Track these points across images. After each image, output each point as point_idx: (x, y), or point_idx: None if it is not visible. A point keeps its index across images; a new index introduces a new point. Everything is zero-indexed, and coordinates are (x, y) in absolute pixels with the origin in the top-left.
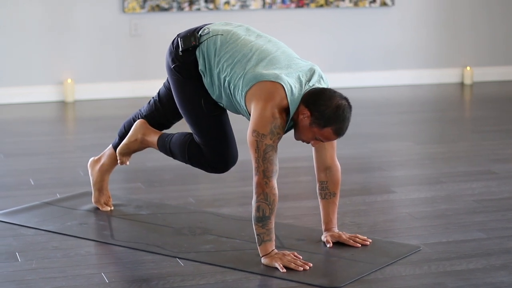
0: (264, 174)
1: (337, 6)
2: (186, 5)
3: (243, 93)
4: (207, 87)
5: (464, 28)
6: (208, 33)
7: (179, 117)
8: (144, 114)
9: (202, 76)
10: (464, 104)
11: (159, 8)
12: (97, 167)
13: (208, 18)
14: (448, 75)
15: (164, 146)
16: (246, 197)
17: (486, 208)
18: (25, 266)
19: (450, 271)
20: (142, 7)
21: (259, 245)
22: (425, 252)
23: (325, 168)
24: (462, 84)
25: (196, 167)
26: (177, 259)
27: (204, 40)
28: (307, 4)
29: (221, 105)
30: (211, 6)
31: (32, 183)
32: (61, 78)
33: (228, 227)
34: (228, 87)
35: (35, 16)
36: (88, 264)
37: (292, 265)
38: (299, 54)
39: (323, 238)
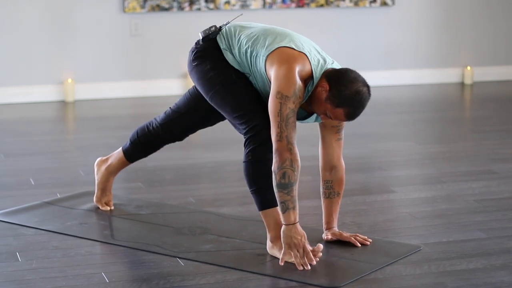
0: (288, 140)
1: (338, 6)
2: (186, 5)
3: (264, 58)
4: (231, 64)
5: (464, 28)
6: (228, 23)
7: (195, 129)
8: (160, 123)
9: (225, 55)
10: (464, 104)
11: (159, 8)
12: (104, 167)
13: (209, 18)
14: (448, 75)
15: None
16: (246, 196)
17: (486, 207)
18: (25, 266)
19: (450, 271)
20: (143, 7)
21: (283, 213)
22: (425, 252)
23: (330, 167)
24: (462, 84)
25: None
26: (178, 258)
27: (224, 27)
28: (307, 4)
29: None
30: (211, 6)
31: (33, 182)
32: (61, 78)
33: (229, 227)
34: (250, 57)
35: (35, 16)
36: (89, 264)
37: (303, 261)
38: None
39: (323, 236)
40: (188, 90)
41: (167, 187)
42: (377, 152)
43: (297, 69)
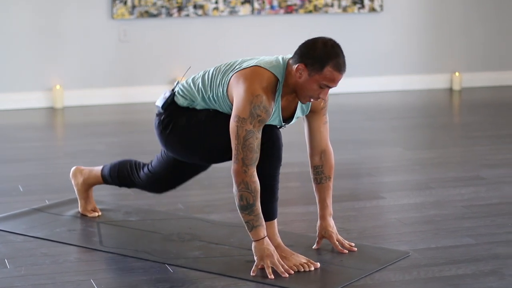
0: (244, 162)
1: (326, 12)
2: (175, 11)
3: (225, 91)
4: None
5: (453, 34)
6: (178, 83)
7: (185, 181)
8: (142, 182)
9: (190, 106)
10: (453, 110)
11: (148, 14)
12: (81, 179)
13: (197, 24)
14: (437, 81)
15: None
16: (235, 203)
17: (475, 213)
18: (14, 273)
19: (439, 276)
20: (131, 13)
21: (250, 231)
22: (414, 258)
23: (320, 151)
24: (451, 90)
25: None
26: (166, 265)
27: (176, 87)
28: (296, 10)
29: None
30: (200, 12)
31: (21, 189)
32: (50, 84)
33: (217, 233)
34: (214, 99)
35: (23, 23)
36: (77, 271)
37: (280, 269)
38: None
39: (317, 228)
40: (161, 155)
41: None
42: (366, 158)
43: (255, 84)
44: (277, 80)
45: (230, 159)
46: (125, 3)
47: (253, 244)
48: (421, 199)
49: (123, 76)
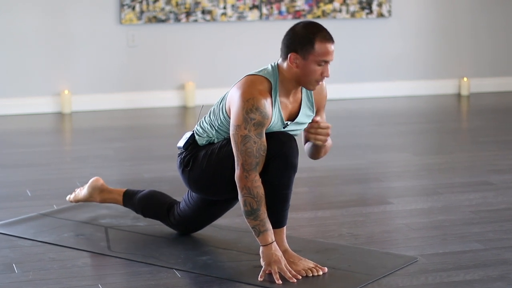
0: (243, 167)
1: (334, 18)
2: (183, 16)
3: (225, 112)
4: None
5: (461, 39)
6: (198, 121)
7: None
8: (174, 224)
9: (211, 140)
10: (461, 115)
11: (156, 20)
12: (98, 198)
13: (205, 30)
14: (445, 86)
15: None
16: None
17: (483, 219)
18: (22, 277)
19: (447, 282)
20: (139, 18)
21: (257, 237)
22: (422, 263)
23: None
24: (459, 95)
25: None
26: (174, 270)
27: (196, 128)
28: (304, 16)
29: None
30: (208, 17)
31: (29, 194)
32: (58, 89)
33: (225, 238)
34: (222, 127)
35: (32, 27)
36: (85, 276)
37: (287, 275)
38: None
39: None
40: (187, 198)
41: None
42: (374, 163)
43: (247, 90)
44: (270, 82)
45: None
46: (133, 8)
47: (261, 249)
48: (429, 204)
49: (131, 81)
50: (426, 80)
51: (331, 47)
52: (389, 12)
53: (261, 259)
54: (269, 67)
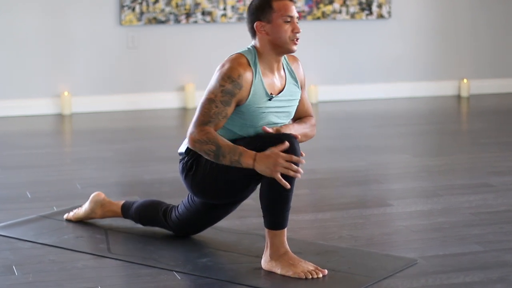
0: (194, 124)
1: (334, 19)
2: (183, 17)
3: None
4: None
5: (461, 40)
6: None
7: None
8: (172, 227)
9: None
10: (461, 116)
11: (156, 21)
12: (99, 213)
13: (205, 31)
14: (445, 88)
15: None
16: (243, 210)
17: (483, 221)
18: (22, 279)
19: (447, 284)
20: (139, 19)
21: (242, 165)
22: (422, 265)
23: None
24: (459, 97)
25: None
26: (174, 272)
27: None
28: (304, 17)
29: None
30: (208, 18)
31: (29, 196)
32: (58, 91)
33: (225, 240)
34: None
35: (32, 29)
36: (85, 278)
37: (291, 174)
38: None
39: None
40: (188, 201)
41: (165, 200)
42: (374, 165)
43: (224, 64)
44: (247, 58)
45: (254, 188)
46: (133, 9)
47: (255, 167)
48: (429, 206)
49: (131, 83)
50: (426, 81)
51: (290, 2)
52: (389, 13)
53: (264, 175)
54: (246, 48)
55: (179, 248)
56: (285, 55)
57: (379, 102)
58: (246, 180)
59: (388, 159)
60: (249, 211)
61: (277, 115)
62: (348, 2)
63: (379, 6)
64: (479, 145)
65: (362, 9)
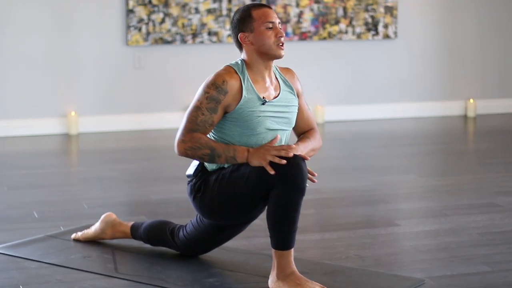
0: (182, 132)
1: (340, 39)
2: (189, 38)
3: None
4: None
5: (467, 61)
6: None
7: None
8: (180, 246)
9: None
10: (467, 136)
11: (162, 41)
12: (109, 233)
13: (211, 51)
14: (451, 108)
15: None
16: (250, 230)
17: (490, 241)
18: None
19: None
20: (146, 39)
21: (237, 160)
22: (430, 286)
23: (308, 130)
24: (465, 117)
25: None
26: None
27: None
28: (310, 37)
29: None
30: (214, 39)
31: (36, 215)
32: (65, 111)
33: (232, 260)
34: (219, 131)
35: (39, 49)
36: None
37: (276, 160)
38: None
39: None
40: (196, 221)
41: (171, 220)
42: (381, 185)
43: (214, 74)
44: (232, 67)
45: (263, 209)
46: (140, 29)
47: (249, 161)
48: (436, 226)
49: (138, 103)
50: (432, 101)
51: (269, 10)
52: (395, 33)
53: (257, 165)
54: (233, 62)
55: (186, 268)
56: (277, 67)
57: (386, 122)
58: (254, 200)
59: (395, 179)
60: (257, 231)
61: (275, 121)
62: (354, 23)
63: (385, 26)
64: (486, 165)
65: (368, 30)
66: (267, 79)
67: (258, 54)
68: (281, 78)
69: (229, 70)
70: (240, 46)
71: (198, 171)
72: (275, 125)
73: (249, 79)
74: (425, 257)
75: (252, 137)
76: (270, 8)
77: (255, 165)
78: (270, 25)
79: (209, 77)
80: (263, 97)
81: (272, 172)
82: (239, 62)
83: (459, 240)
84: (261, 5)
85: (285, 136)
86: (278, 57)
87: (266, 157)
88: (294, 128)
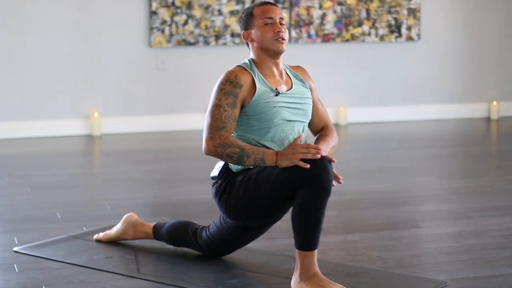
0: (209, 131)
1: (363, 41)
2: (212, 39)
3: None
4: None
5: (490, 63)
6: None
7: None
8: (203, 247)
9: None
10: (490, 138)
11: (185, 43)
12: (131, 233)
13: (234, 53)
14: (474, 110)
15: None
16: (272, 231)
17: None
18: None
19: None
20: (169, 41)
21: (266, 164)
22: None
23: (323, 127)
24: (488, 119)
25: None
26: None
27: None
28: (333, 39)
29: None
30: (237, 40)
31: (59, 216)
32: (88, 112)
33: (255, 261)
34: (241, 127)
35: (62, 50)
36: None
37: (309, 156)
38: (324, 89)
39: None
40: (220, 222)
41: (193, 221)
42: (403, 187)
43: (223, 76)
44: (241, 66)
45: (287, 210)
46: (163, 31)
47: (277, 162)
48: (458, 228)
49: (161, 104)
50: (455, 103)
51: (269, 6)
52: (418, 35)
53: (286, 166)
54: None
55: (208, 268)
56: (287, 65)
57: (408, 124)
58: (280, 201)
59: (417, 181)
60: (279, 232)
61: (291, 112)
62: (377, 25)
63: (408, 28)
64: (509, 167)
65: (391, 31)
66: (277, 74)
67: (261, 50)
68: (292, 74)
69: (239, 67)
70: (247, 45)
71: (223, 173)
72: (291, 116)
73: (259, 74)
74: (447, 259)
75: (271, 129)
76: (274, 5)
77: (284, 166)
78: (269, 21)
79: (220, 77)
80: (276, 88)
81: (307, 166)
82: (247, 61)
83: (481, 242)
84: (265, 3)
85: (303, 128)
86: (278, 51)
87: (296, 155)
88: (309, 124)
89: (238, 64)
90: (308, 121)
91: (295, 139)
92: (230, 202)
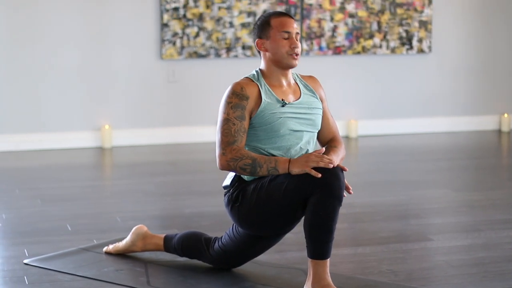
0: (221, 146)
1: (374, 53)
2: (223, 52)
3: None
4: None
5: (501, 75)
6: None
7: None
8: (214, 258)
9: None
10: (501, 151)
11: (196, 55)
12: (140, 245)
13: (245, 65)
14: (485, 122)
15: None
16: (283, 243)
17: None
18: None
19: None
20: (180, 53)
21: (280, 171)
22: None
23: (331, 138)
24: (499, 131)
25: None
26: None
27: None
28: (344, 51)
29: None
30: (248, 53)
31: (69, 228)
32: (98, 124)
33: (265, 274)
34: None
35: (73, 62)
36: None
37: (322, 164)
38: (335, 101)
39: None
40: (232, 232)
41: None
42: (414, 199)
43: (230, 92)
44: (248, 78)
45: (300, 219)
46: (174, 43)
47: (290, 170)
48: (469, 241)
49: (172, 116)
50: (466, 116)
51: (288, 19)
52: (429, 48)
53: (300, 170)
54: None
55: (219, 281)
56: (298, 74)
57: (419, 137)
58: (292, 209)
59: (428, 193)
60: (289, 245)
61: (298, 122)
62: (388, 37)
63: (420, 40)
64: None
65: (403, 44)
66: (285, 84)
67: (273, 62)
68: (302, 83)
69: (246, 79)
70: (259, 53)
71: (235, 182)
72: (298, 126)
73: (266, 85)
74: (458, 272)
75: (278, 139)
76: (291, 17)
77: (296, 173)
78: (286, 35)
79: (226, 90)
80: (282, 99)
81: (318, 175)
82: (255, 72)
83: (492, 255)
84: (282, 14)
85: (311, 138)
86: (291, 66)
87: (308, 163)
88: (317, 135)
89: (245, 76)
90: (317, 131)
91: (316, 151)
92: (242, 211)
